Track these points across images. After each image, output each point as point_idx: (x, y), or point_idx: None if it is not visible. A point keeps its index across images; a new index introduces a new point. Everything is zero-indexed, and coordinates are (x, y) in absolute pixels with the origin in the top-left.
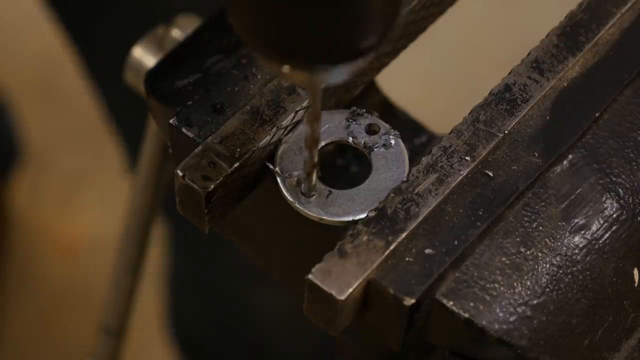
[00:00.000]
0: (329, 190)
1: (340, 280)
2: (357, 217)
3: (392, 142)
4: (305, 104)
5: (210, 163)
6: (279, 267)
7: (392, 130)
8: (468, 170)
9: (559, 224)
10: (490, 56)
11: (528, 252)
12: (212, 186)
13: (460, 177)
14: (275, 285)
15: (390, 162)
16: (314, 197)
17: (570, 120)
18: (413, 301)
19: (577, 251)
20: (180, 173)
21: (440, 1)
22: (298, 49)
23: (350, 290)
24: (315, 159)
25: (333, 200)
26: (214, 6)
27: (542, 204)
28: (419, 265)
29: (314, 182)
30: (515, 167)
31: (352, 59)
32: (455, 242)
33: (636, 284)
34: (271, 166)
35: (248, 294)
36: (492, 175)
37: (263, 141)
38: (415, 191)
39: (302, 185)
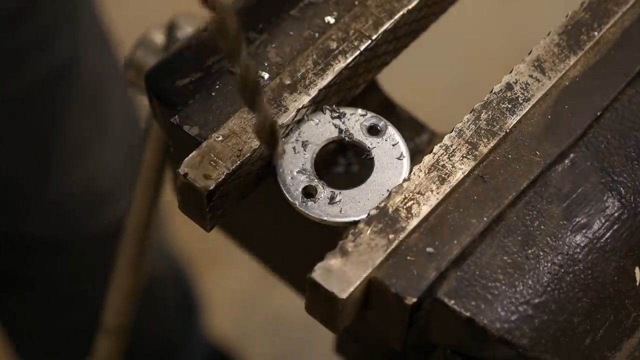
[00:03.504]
0: (331, 191)
1: (342, 279)
2: (359, 218)
3: (394, 141)
4: (307, 100)
5: (211, 162)
6: (280, 266)
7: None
8: (469, 169)
9: (561, 222)
10: (490, 55)
11: (529, 251)
12: (214, 185)
13: (462, 175)
14: None
15: (391, 161)
16: (315, 197)
17: (572, 119)
18: (414, 300)
19: (578, 250)
20: (181, 172)
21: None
22: None
23: (352, 289)
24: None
25: (334, 201)
26: None
27: (544, 202)
28: (420, 264)
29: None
30: (517, 166)
31: None
32: (457, 241)
33: (638, 283)
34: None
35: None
36: (493, 174)
37: None
38: (417, 190)
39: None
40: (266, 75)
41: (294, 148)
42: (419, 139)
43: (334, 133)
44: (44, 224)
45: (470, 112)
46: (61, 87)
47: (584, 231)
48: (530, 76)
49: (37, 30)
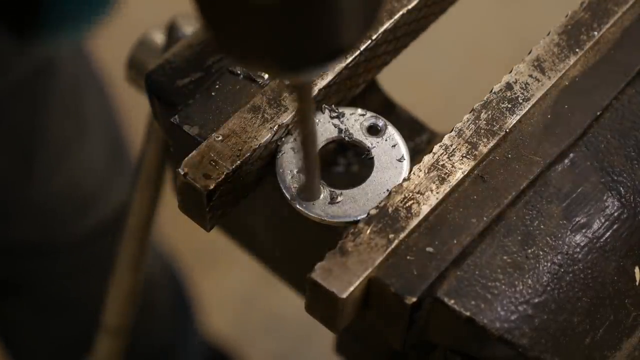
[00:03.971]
0: (331, 191)
1: (342, 278)
2: (359, 217)
3: (394, 141)
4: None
5: (211, 162)
6: (280, 266)
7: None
8: (469, 168)
9: (560, 222)
10: (490, 55)
11: (529, 251)
12: (214, 185)
13: (462, 175)
14: None
15: (391, 161)
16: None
17: (572, 118)
18: (414, 300)
19: (578, 250)
20: (181, 171)
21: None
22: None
23: (352, 288)
24: (316, 163)
25: (334, 201)
26: None
27: (544, 202)
28: (420, 264)
29: (316, 184)
30: (517, 166)
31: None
32: (456, 241)
33: (637, 283)
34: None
35: None
36: (493, 173)
37: (264, 139)
38: (417, 190)
39: (304, 188)
40: (266, 75)
41: (293, 148)
42: (419, 139)
43: (334, 133)
44: (31, 227)
45: (470, 112)
46: (40, 87)
47: (583, 231)
48: (530, 76)
49: None
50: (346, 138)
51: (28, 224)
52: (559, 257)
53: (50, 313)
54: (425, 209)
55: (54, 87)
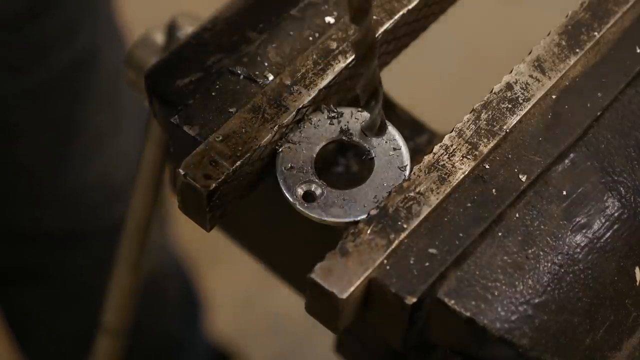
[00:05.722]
0: (331, 191)
1: (342, 279)
2: (359, 218)
3: (394, 141)
4: (307, 100)
5: (211, 162)
6: (280, 266)
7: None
8: (469, 168)
9: (561, 222)
10: (490, 55)
11: (530, 251)
12: (214, 185)
13: (462, 175)
14: None
15: (392, 161)
16: (315, 197)
17: (572, 118)
18: (414, 300)
19: (578, 250)
20: (181, 172)
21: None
22: None
23: (352, 289)
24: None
25: (334, 201)
26: (214, 6)
27: (544, 202)
28: (420, 264)
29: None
30: (517, 166)
31: None
32: (457, 241)
33: (638, 283)
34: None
35: None
36: (493, 173)
37: (265, 140)
38: (417, 190)
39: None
40: (270, 76)
41: (294, 148)
42: (419, 139)
43: (334, 133)
44: (62, 216)
45: (470, 112)
46: (80, 79)
47: (584, 231)
48: (530, 76)
49: (60, 22)
50: (346, 138)
51: (60, 213)
52: (559, 258)
53: (67, 303)
54: (425, 210)
55: (94, 79)
